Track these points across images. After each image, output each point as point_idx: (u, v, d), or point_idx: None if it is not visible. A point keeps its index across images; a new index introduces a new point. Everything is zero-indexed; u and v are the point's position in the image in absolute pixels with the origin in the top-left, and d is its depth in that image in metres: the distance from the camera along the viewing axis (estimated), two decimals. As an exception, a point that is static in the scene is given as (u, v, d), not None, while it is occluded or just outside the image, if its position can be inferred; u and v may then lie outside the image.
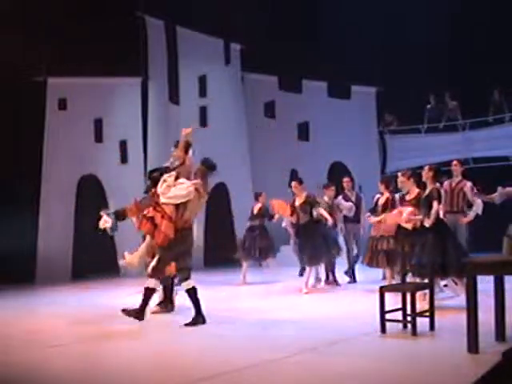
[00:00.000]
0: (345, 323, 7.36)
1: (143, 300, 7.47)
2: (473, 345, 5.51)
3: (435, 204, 8.08)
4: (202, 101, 15.28)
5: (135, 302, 7.73)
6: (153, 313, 8.34)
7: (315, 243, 10.07)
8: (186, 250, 7.65)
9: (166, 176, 7.79)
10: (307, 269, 10.28)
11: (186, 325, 7.39)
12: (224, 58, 15.62)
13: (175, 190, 7.61)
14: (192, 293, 7.52)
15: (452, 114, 16.34)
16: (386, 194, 9.82)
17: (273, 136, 15.96)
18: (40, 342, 6.97)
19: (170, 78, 14.72)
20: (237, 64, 15.96)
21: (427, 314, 6.63)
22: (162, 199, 7.56)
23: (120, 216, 7.80)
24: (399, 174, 8.94)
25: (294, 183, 10.50)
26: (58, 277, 12.82)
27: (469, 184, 9.90)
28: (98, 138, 14.02)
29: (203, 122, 15.26)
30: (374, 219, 9.74)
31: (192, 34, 14.93)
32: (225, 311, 8.50)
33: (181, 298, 8.74)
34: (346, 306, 8.80)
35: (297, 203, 10.33)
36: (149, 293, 7.50)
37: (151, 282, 7.49)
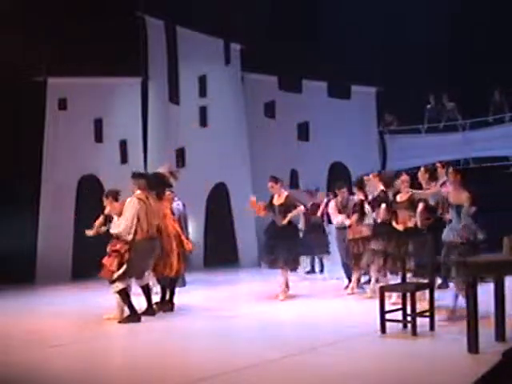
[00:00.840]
0: (345, 323, 7.36)
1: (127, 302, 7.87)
2: (473, 345, 5.52)
3: (420, 205, 8.15)
4: (202, 101, 15.26)
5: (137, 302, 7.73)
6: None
7: (291, 246, 9.53)
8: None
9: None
10: (281, 272, 9.58)
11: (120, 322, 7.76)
12: (224, 58, 15.61)
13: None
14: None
15: (450, 115, 16.33)
16: (360, 196, 9.73)
17: (273, 136, 15.95)
18: (40, 342, 6.98)
19: (169, 78, 14.71)
20: (237, 64, 15.95)
21: (427, 313, 6.63)
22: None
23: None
24: (371, 175, 9.04)
25: (269, 183, 9.65)
26: (58, 277, 12.81)
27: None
28: (98, 138, 14.01)
29: (203, 122, 15.25)
30: (349, 221, 9.73)
31: (192, 34, 14.92)
32: (225, 311, 8.49)
33: (183, 299, 8.74)
34: (345, 306, 8.79)
35: (276, 202, 9.62)
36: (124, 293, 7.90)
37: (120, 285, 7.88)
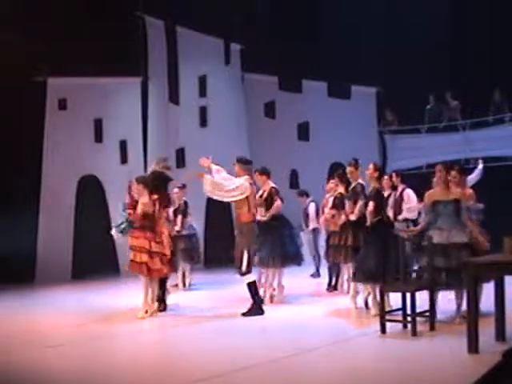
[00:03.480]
0: (344, 323, 7.36)
1: (253, 294, 7.99)
2: (473, 345, 5.52)
3: (360, 201, 7.98)
4: (202, 101, 15.25)
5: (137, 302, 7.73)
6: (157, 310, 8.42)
7: (273, 244, 9.06)
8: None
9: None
10: (271, 271, 9.21)
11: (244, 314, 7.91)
12: (224, 58, 15.60)
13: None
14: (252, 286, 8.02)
15: (452, 114, 16.32)
16: (340, 189, 9.70)
17: (273, 136, 15.94)
18: (40, 342, 6.98)
19: (169, 78, 14.70)
20: (237, 64, 15.94)
21: (427, 314, 6.63)
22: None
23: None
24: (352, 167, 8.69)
25: (255, 174, 9.19)
26: (58, 277, 12.80)
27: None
28: (98, 138, 13.99)
29: (203, 121, 15.24)
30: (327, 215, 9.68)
31: (192, 34, 14.91)
32: (225, 311, 8.49)
33: (183, 299, 8.74)
34: (345, 306, 8.78)
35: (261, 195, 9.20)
36: (253, 286, 8.01)
37: (250, 277, 8.02)
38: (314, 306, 8.77)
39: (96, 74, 13.41)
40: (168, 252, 8.50)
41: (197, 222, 14.54)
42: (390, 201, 10.46)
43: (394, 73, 15.00)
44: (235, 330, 7.34)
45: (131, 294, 10.17)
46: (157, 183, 8.49)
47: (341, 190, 9.55)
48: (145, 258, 8.21)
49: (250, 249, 8.06)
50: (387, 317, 6.61)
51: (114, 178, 13.87)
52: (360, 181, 8.53)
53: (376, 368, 5.32)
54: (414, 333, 6.38)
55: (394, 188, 10.44)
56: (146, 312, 8.24)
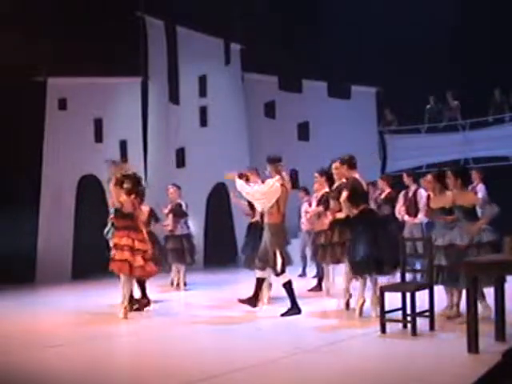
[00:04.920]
0: (344, 323, 7.35)
1: (290, 294, 7.94)
2: (473, 345, 5.52)
3: (344, 193, 7.66)
4: (202, 101, 15.26)
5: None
6: (135, 310, 8.43)
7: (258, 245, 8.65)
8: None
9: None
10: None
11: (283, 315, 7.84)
12: (224, 58, 15.60)
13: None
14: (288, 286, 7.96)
15: (452, 114, 16.33)
16: (325, 187, 9.69)
17: (273, 136, 15.93)
18: (40, 342, 6.98)
19: (169, 78, 14.70)
20: (237, 64, 15.95)
21: (427, 313, 6.63)
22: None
23: None
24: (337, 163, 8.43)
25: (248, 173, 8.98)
26: (58, 277, 12.81)
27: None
28: (98, 138, 14.00)
29: (203, 122, 15.25)
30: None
31: (192, 34, 14.91)
32: (225, 311, 8.49)
33: (183, 299, 8.73)
34: (341, 307, 8.78)
35: None
36: (289, 285, 7.95)
37: (286, 276, 7.97)
38: (310, 306, 8.74)
39: (96, 74, 13.41)
40: (150, 249, 8.54)
41: (197, 222, 14.61)
42: (400, 199, 10.48)
43: (394, 73, 15.00)
44: (234, 330, 7.33)
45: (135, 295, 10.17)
46: (137, 185, 8.58)
47: (326, 188, 9.51)
48: (127, 255, 8.21)
49: (282, 249, 8.01)
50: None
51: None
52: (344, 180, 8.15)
53: (376, 368, 5.32)
54: (414, 333, 6.38)
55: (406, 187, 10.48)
56: (131, 310, 8.29)
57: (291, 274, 11.12)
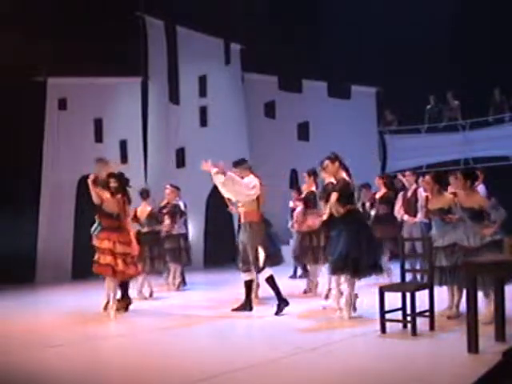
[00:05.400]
0: (344, 323, 7.35)
1: (273, 288, 7.94)
2: (473, 345, 5.51)
3: (333, 195, 7.56)
4: (202, 101, 15.27)
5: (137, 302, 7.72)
6: (117, 310, 8.42)
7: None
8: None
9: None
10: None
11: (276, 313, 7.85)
12: (224, 58, 15.61)
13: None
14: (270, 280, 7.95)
15: (453, 114, 16.33)
16: (311, 186, 9.61)
17: (273, 136, 15.94)
18: (40, 342, 6.97)
19: (169, 78, 14.70)
20: (237, 64, 15.95)
21: (427, 314, 6.63)
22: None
23: None
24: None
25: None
26: (58, 277, 12.82)
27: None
28: (98, 138, 14.00)
29: (203, 122, 15.25)
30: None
31: (192, 34, 14.91)
32: (224, 311, 8.49)
33: (183, 299, 8.72)
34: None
35: None
36: (272, 280, 7.96)
37: (267, 271, 7.96)
38: (313, 306, 8.75)
39: (96, 74, 13.41)
40: (134, 252, 8.54)
41: (197, 222, 14.62)
42: (399, 199, 10.48)
43: (394, 73, 15.00)
44: (235, 330, 7.33)
45: (131, 295, 10.16)
46: (119, 184, 8.57)
47: (312, 187, 9.49)
48: (109, 259, 8.26)
49: (263, 246, 8.01)
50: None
51: (113, 177, 13.86)
52: (332, 180, 7.95)
53: (376, 368, 5.32)
54: (414, 333, 6.38)
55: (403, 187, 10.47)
56: (118, 310, 8.34)
57: (283, 275, 11.21)
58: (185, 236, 11.21)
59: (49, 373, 5.71)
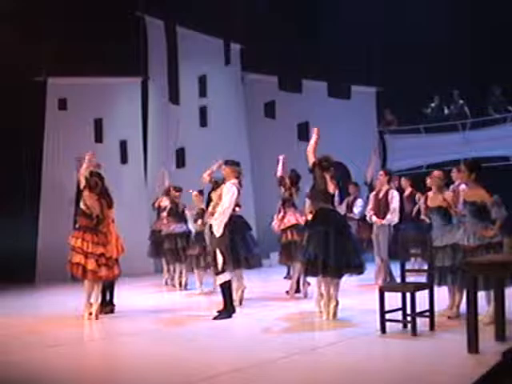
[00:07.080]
0: (345, 323, 7.35)
1: (225, 295, 7.83)
2: (473, 345, 5.51)
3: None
4: (202, 101, 15.26)
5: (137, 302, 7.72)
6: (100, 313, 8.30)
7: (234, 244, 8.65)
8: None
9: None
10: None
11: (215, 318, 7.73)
12: (224, 58, 15.59)
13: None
14: (225, 286, 7.85)
15: (458, 113, 16.27)
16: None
17: (273, 136, 15.93)
18: (40, 342, 6.98)
19: (169, 78, 14.69)
20: (237, 64, 15.94)
21: (427, 314, 6.63)
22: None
23: None
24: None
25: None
26: (58, 277, 12.79)
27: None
28: (98, 138, 13.99)
29: (203, 122, 15.24)
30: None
31: (192, 34, 14.91)
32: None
33: (183, 299, 8.70)
34: (345, 306, 8.77)
35: None
36: (227, 286, 7.86)
37: (225, 276, 7.83)
38: (312, 306, 8.74)
39: (96, 74, 13.41)
40: (113, 254, 8.34)
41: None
42: (370, 200, 10.50)
43: (394, 73, 14.99)
44: (235, 330, 7.33)
45: (131, 295, 10.19)
46: (102, 185, 8.56)
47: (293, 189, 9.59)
48: (79, 258, 8.13)
49: (224, 248, 7.84)
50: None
51: (114, 178, 13.85)
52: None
53: (376, 368, 5.32)
54: (414, 333, 6.38)
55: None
56: (90, 314, 8.13)
57: (279, 276, 11.19)
58: (184, 235, 11.20)
59: (49, 373, 5.71)
